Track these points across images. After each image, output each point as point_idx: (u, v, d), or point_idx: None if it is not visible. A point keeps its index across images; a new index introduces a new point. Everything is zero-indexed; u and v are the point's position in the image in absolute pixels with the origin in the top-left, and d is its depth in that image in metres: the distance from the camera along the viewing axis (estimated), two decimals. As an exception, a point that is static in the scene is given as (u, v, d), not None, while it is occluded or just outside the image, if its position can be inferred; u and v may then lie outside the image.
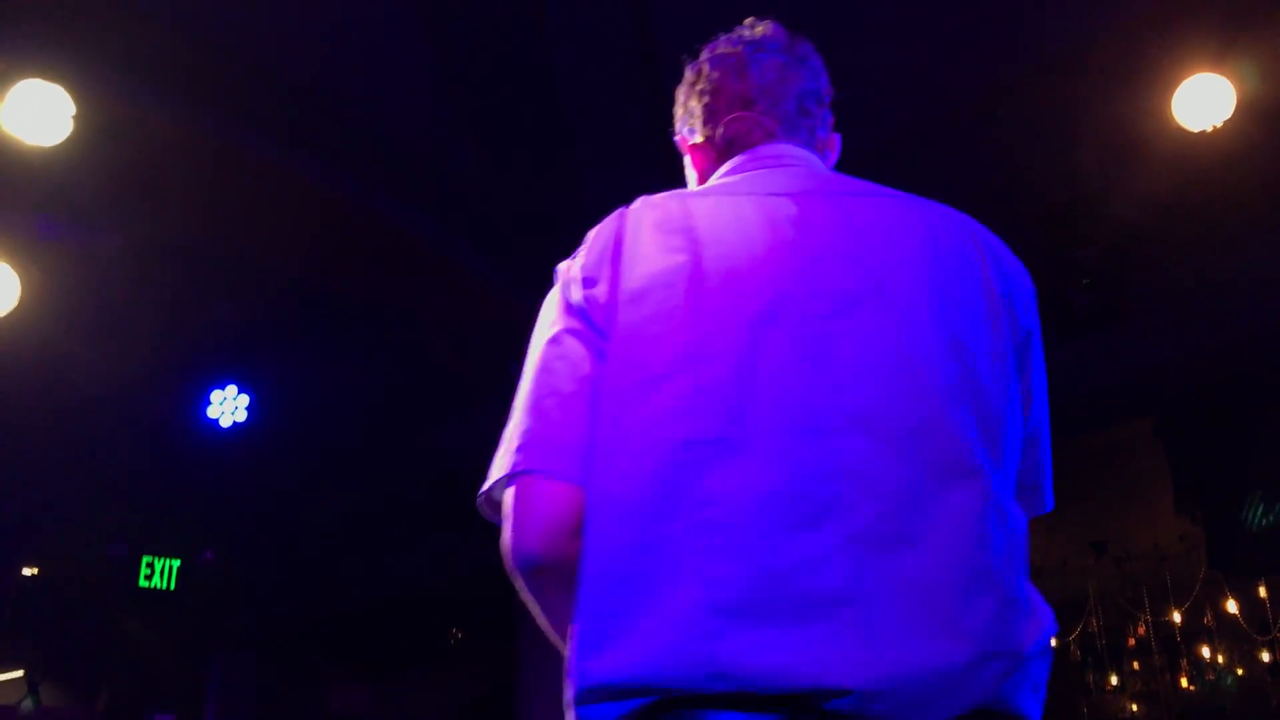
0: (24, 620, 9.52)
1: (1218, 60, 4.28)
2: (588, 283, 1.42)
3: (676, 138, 1.81)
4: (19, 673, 10.56)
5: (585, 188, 5.69)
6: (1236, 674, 13.36)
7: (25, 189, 4.78)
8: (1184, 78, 4.31)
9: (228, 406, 6.52)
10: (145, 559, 8.43)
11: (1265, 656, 12.64)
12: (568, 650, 1.25)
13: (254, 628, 10.04)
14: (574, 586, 1.24)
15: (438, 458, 7.78)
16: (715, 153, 1.69)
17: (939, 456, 1.25)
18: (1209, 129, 4.26)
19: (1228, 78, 4.27)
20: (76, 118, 4.26)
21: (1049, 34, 4.50)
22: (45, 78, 4.21)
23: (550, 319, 1.45)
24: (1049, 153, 4.76)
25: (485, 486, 1.39)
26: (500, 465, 1.37)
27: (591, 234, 1.50)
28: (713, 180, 1.63)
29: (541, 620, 1.38)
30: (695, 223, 1.41)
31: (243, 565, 8.78)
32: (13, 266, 4.99)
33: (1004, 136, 4.73)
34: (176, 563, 8.41)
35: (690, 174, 1.78)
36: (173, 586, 8.47)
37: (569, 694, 1.21)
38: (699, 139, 1.72)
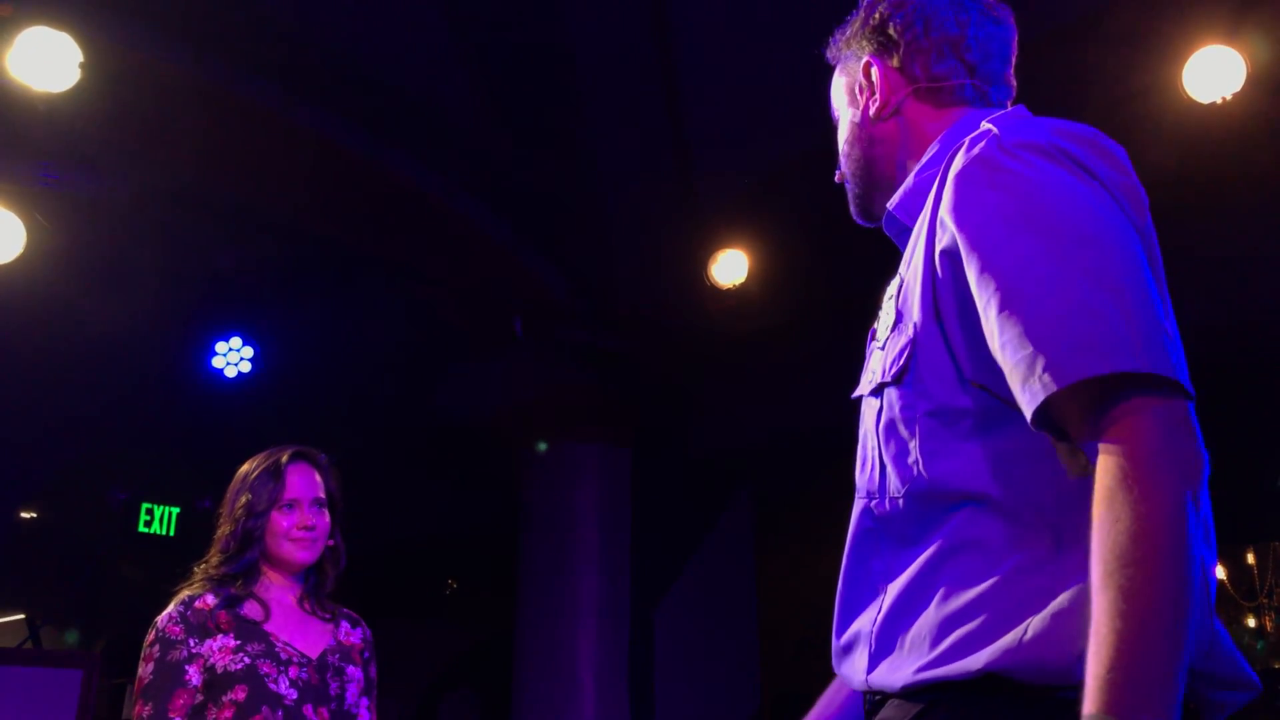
0: (22, 564, 9.56)
1: (1229, 32, 4.27)
2: (1145, 210, 1.31)
3: (848, 51, 1.71)
4: (20, 615, 10.64)
5: (591, 147, 5.68)
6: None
7: (32, 136, 4.77)
8: (1194, 49, 4.30)
9: (232, 358, 6.55)
10: (145, 505, 8.46)
11: (1250, 621, 12.80)
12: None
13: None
14: None
15: (439, 410, 7.82)
16: (912, 90, 1.61)
17: None
18: (1219, 101, 4.26)
19: (1238, 50, 4.26)
20: (83, 65, 4.24)
21: (1056, 3, 4.48)
22: (52, 25, 4.19)
23: (1115, 217, 1.25)
24: (1057, 122, 4.75)
25: (1138, 367, 1.12)
26: (1162, 361, 1.13)
27: (1100, 143, 1.32)
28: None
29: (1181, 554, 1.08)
30: None
31: (242, 513, 8.76)
32: (18, 214, 4.99)
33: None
34: (176, 510, 8.46)
35: (853, 96, 1.69)
36: (172, 533, 8.51)
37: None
38: (895, 64, 1.62)
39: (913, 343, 1.37)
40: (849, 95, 1.69)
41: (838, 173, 1.74)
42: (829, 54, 1.76)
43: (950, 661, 1.24)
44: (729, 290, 5.72)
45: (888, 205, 1.57)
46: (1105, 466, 1.12)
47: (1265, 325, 5.54)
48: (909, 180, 1.55)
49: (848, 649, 1.44)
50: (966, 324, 1.30)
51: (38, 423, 7.60)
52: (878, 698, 1.37)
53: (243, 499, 2.77)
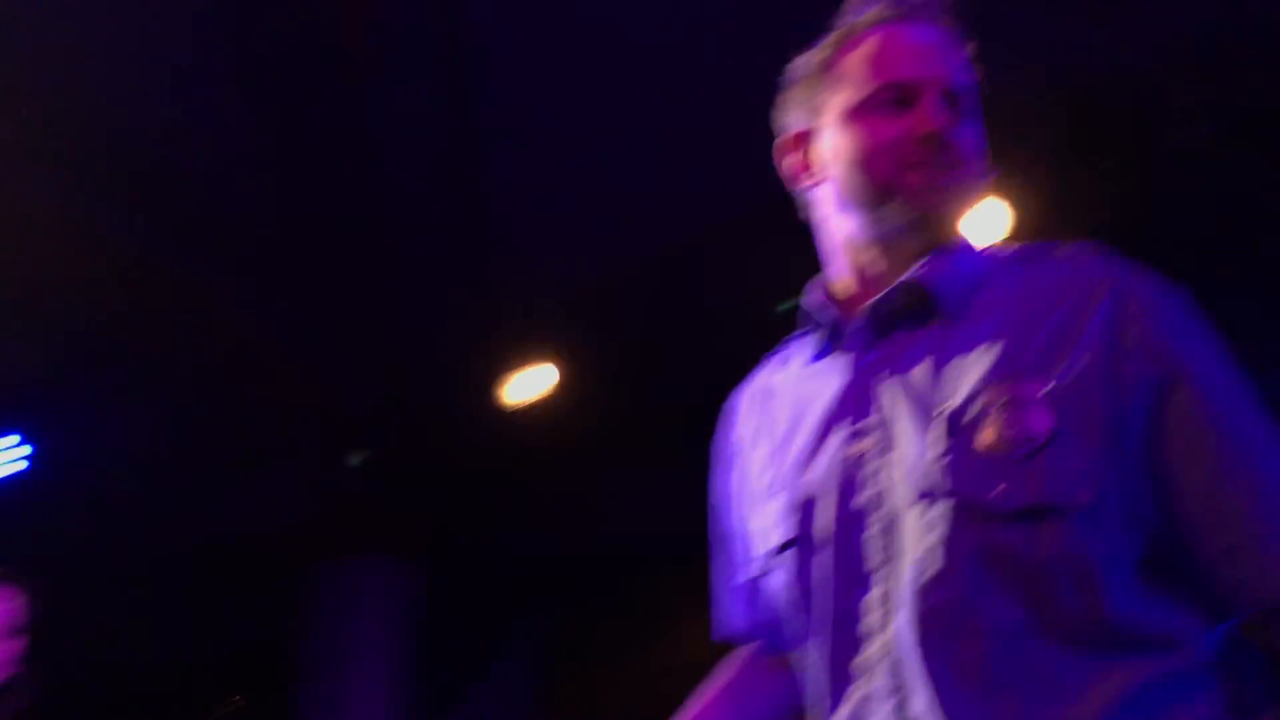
0: None
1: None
2: None
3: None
4: None
5: (395, 258, 5.71)
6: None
7: None
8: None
9: (5, 456, 6.25)
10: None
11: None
12: None
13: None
14: None
15: (221, 523, 7.55)
16: None
17: None
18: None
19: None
20: None
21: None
22: None
23: None
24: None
25: None
26: None
27: None
28: None
29: None
30: None
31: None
32: None
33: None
34: (-70, 620, 7.91)
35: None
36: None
37: None
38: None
39: (1103, 466, 1.19)
40: None
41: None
42: None
43: None
44: (524, 407, 5.74)
45: (910, 276, 1.41)
46: None
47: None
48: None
49: None
50: (1151, 461, 1.20)
51: None
52: None
53: None
